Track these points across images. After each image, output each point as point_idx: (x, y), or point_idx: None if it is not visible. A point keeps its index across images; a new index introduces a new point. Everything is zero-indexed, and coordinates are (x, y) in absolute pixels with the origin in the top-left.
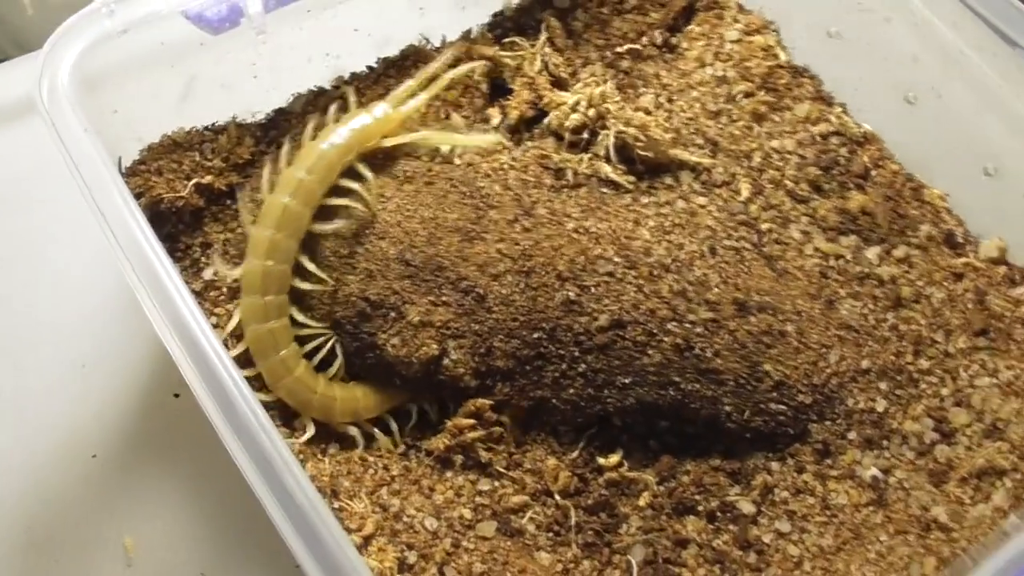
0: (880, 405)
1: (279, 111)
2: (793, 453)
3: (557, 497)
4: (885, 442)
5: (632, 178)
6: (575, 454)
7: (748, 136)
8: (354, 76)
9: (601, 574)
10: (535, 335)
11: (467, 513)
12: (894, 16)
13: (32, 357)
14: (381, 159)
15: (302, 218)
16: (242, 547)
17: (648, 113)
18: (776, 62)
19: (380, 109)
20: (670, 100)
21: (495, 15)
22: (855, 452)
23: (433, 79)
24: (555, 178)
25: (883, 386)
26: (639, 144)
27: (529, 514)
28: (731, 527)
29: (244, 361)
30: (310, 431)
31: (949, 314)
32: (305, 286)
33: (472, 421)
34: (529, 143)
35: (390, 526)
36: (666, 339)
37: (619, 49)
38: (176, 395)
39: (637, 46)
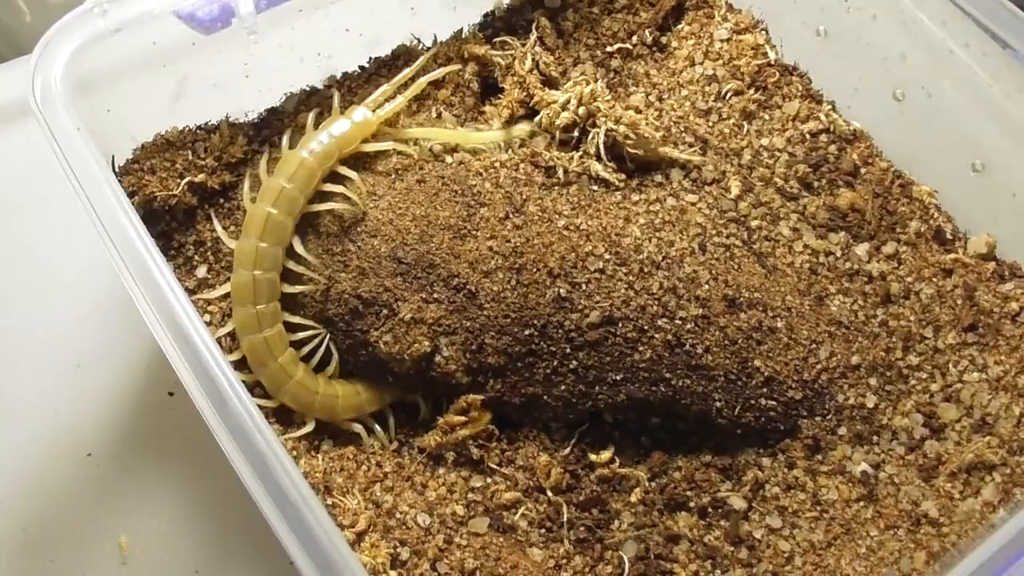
0: (870, 401)
1: (271, 110)
2: (784, 449)
3: (549, 493)
4: (875, 437)
5: (622, 176)
6: (567, 451)
7: (738, 134)
8: (346, 76)
9: (593, 570)
10: (526, 332)
11: (459, 509)
12: (882, 14)
13: (27, 357)
14: (372, 158)
15: (285, 227)
16: (237, 545)
17: (638, 111)
18: (765, 60)
19: (359, 113)
20: (660, 99)
21: (486, 15)
22: (845, 447)
23: (412, 80)
24: (546, 176)
25: (873, 382)
26: (629, 142)
27: (521, 510)
28: (722, 523)
29: (242, 366)
30: (309, 426)
31: (938, 310)
32: (295, 289)
33: (464, 418)
34: (520, 141)
35: (383, 522)
36: (657, 336)
37: (609, 48)
38: (171, 393)
39: (627, 45)
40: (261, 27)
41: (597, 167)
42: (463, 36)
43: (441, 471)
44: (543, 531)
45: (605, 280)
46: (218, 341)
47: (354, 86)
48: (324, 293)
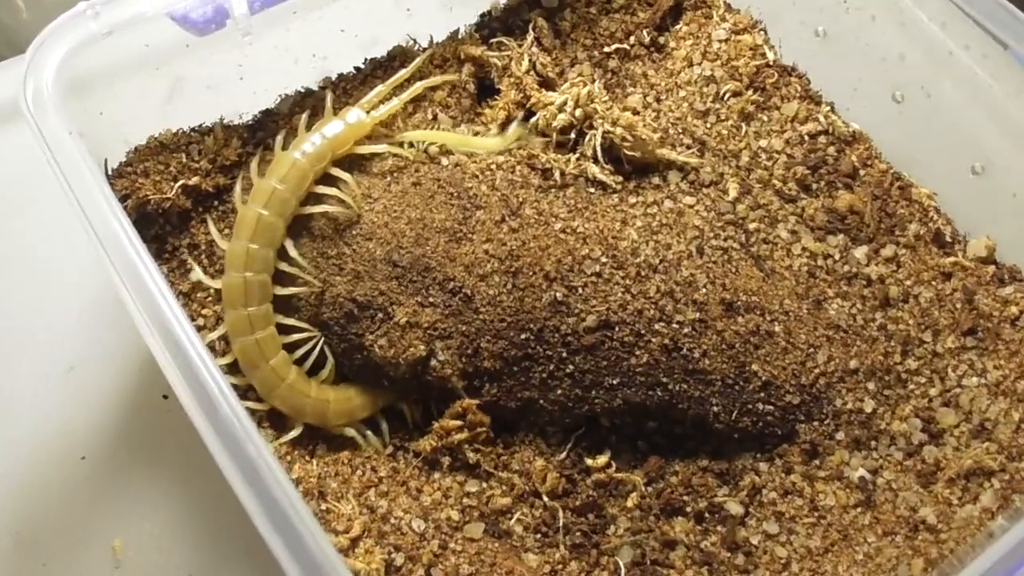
0: (868, 405)
1: (266, 112)
2: (781, 454)
3: (545, 498)
4: (873, 443)
5: (619, 178)
6: (563, 455)
7: (736, 135)
8: (341, 77)
9: (589, 575)
10: (522, 336)
11: (455, 514)
12: (881, 15)
13: (21, 359)
14: (367, 160)
15: (276, 228)
16: (230, 549)
17: (636, 113)
18: (764, 61)
19: (353, 115)
20: (658, 100)
21: (482, 15)
22: (843, 453)
23: (408, 82)
24: (542, 178)
25: (871, 386)
26: (626, 144)
27: (517, 515)
28: (719, 528)
29: (236, 370)
30: (296, 431)
31: (937, 314)
32: (288, 291)
33: (459, 423)
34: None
35: (377, 528)
36: (654, 340)
37: (607, 49)
38: (165, 396)
39: (625, 46)
40: (255, 28)
41: (594, 169)
42: (459, 37)
43: (436, 476)
44: (539, 536)
45: (602, 284)
46: (211, 344)
47: (349, 87)
48: (319, 296)
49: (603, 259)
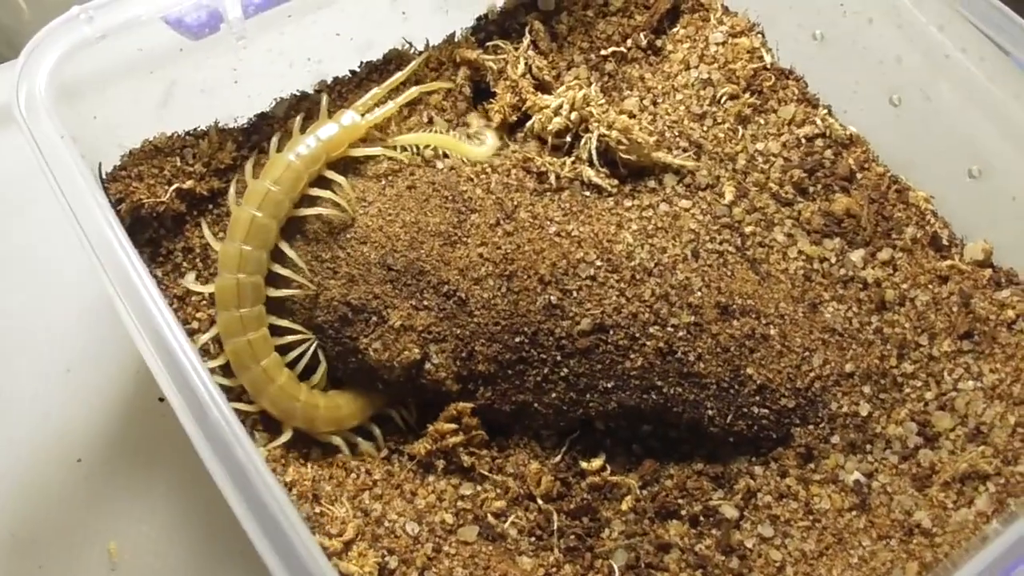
0: (864, 409)
1: (261, 116)
2: (776, 457)
3: (539, 501)
4: (868, 446)
5: (615, 181)
6: (557, 458)
7: (733, 139)
8: (336, 81)
9: None
10: (517, 339)
11: (449, 518)
12: (878, 18)
13: (17, 360)
14: (362, 163)
15: (270, 230)
16: (226, 553)
17: (632, 116)
18: (761, 64)
19: (347, 117)
20: (654, 103)
21: (479, 19)
22: (838, 456)
23: (404, 85)
24: (537, 182)
25: (867, 390)
26: (622, 147)
27: (511, 518)
28: (714, 532)
29: (229, 372)
30: (286, 436)
31: (934, 317)
32: (282, 293)
33: (454, 426)
34: (512, 146)
35: (371, 531)
36: (648, 343)
37: (603, 52)
38: (161, 399)
39: (622, 49)
40: (250, 32)
41: (589, 173)
42: (455, 40)
43: (431, 479)
44: (533, 539)
45: (596, 287)
46: (204, 346)
47: (345, 91)
48: (313, 300)
49: (598, 262)
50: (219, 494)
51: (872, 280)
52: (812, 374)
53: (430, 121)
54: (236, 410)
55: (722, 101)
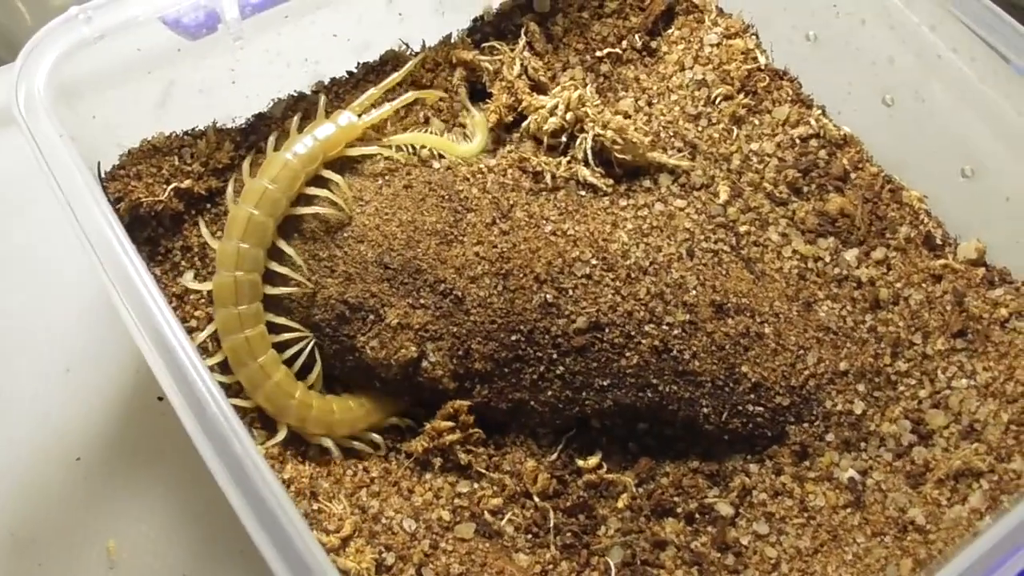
0: (858, 407)
1: (258, 116)
2: (771, 455)
3: (536, 499)
4: (863, 444)
5: (610, 181)
6: (554, 456)
7: (727, 139)
8: (333, 81)
9: (579, 575)
10: (513, 337)
11: (446, 515)
12: (871, 19)
13: (17, 360)
14: (358, 163)
15: (267, 228)
16: (224, 551)
17: (627, 116)
18: (755, 65)
19: (344, 117)
20: (649, 103)
21: (475, 20)
22: (833, 454)
23: (400, 85)
24: (533, 181)
25: (861, 388)
26: (617, 147)
27: (508, 516)
28: (709, 529)
29: (227, 370)
30: (281, 434)
31: (927, 316)
32: (279, 291)
33: (451, 424)
34: (508, 146)
35: (368, 527)
36: (644, 341)
37: (599, 53)
38: (160, 398)
39: (617, 50)
40: (247, 33)
41: (585, 172)
42: (452, 41)
43: (428, 476)
44: (529, 537)
45: (592, 286)
46: (202, 344)
47: (342, 91)
48: (310, 298)
49: (593, 261)
50: (218, 493)
51: (866, 279)
52: (807, 372)
53: (426, 121)
54: (233, 406)
55: (717, 102)
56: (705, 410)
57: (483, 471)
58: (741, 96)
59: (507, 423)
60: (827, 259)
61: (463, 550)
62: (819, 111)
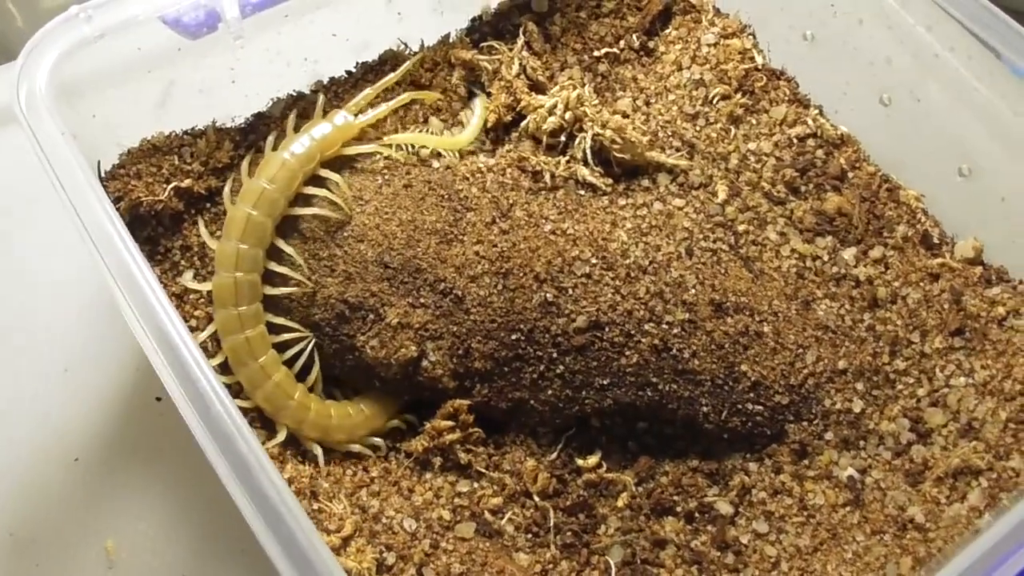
0: (857, 405)
1: (258, 115)
2: (770, 454)
3: (536, 498)
4: (862, 442)
5: (609, 180)
6: (554, 455)
7: (725, 138)
8: (333, 81)
9: (579, 575)
10: (513, 336)
11: (446, 514)
12: (868, 19)
13: (16, 360)
14: (359, 162)
15: (266, 228)
16: (224, 550)
17: (625, 116)
18: (753, 65)
19: (340, 117)
20: (647, 103)
21: (473, 19)
22: (832, 452)
23: (399, 84)
24: (533, 181)
25: (860, 386)
26: (616, 147)
27: (508, 515)
28: (709, 528)
29: (227, 371)
30: (281, 435)
31: (925, 314)
32: (279, 291)
33: (451, 423)
34: (507, 146)
35: (369, 527)
36: (643, 340)
37: (597, 53)
38: (158, 398)
39: (614, 50)
40: (247, 32)
41: (584, 172)
42: (450, 41)
43: (428, 476)
44: (529, 536)
45: (592, 285)
46: (202, 344)
47: (341, 91)
48: (310, 298)
49: (593, 260)
50: (218, 492)
51: (864, 278)
52: (805, 371)
53: (425, 120)
54: None
55: (714, 101)
56: (704, 409)
57: (483, 470)
58: (738, 96)
59: (507, 422)
60: (825, 258)
61: (463, 549)
62: (816, 111)
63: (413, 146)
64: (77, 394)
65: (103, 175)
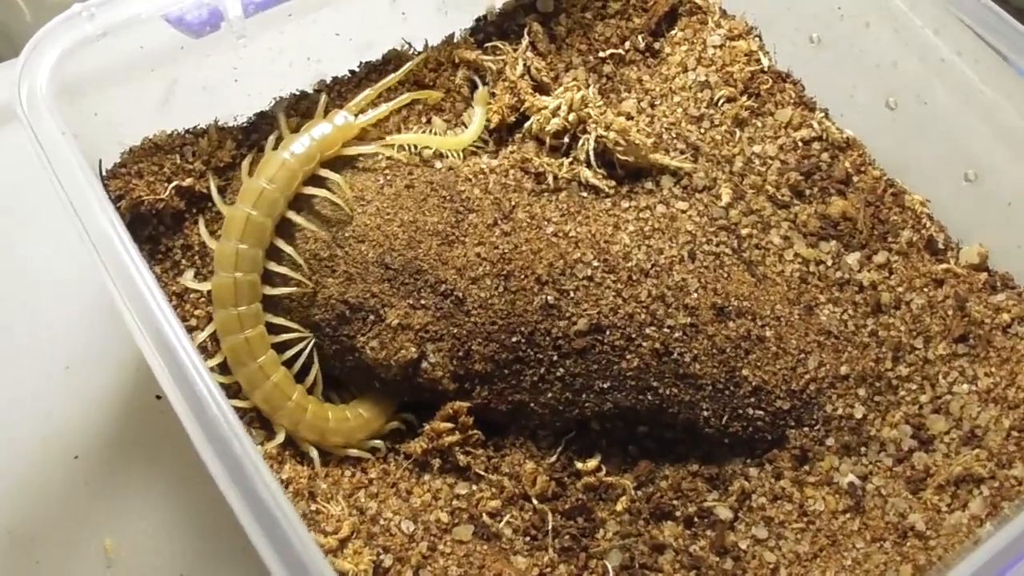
0: (858, 411)
1: (260, 114)
2: (771, 459)
3: (534, 501)
4: (863, 449)
5: (612, 183)
6: (553, 458)
7: (730, 141)
8: (336, 80)
9: None
10: (513, 339)
11: (444, 516)
12: (875, 22)
13: (16, 358)
14: (360, 162)
15: (265, 228)
16: (224, 549)
17: (629, 118)
18: (758, 67)
19: (340, 117)
20: (652, 105)
21: (478, 19)
22: (833, 458)
23: (401, 84)
24: (535, 182)
25: (862, 392)
26: (619, 148)
27: (506, 518)
28: (708, 533)
29: (227, 371)
30: (280, 436)
31: (929, 320)
32: (278, 292)
33: (450, 425)
34: (510, 147)
35: (366, 529)
36: (644, 344)
37: (602, 54)
38: (158, 397)
39: (620, 51)
40: (250, 31)
41: (587, 174)
42: (455, 41)
43: (426, 478)
44: (528, 539)
45: (593, 288)
46: (202, 344)
47: (344, 91)
48: (310, 298)
49: (595, 263)
50: (216, 492)
51: (868, 283)
52: (807, 376)
53: (429, 121)
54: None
55: (719, 104)
56: (705, 413)
57: (482, 473)
58: (744, 98)
59: (507, 425)
60: (829, 263)
61: (461, 552)
62: (822, 114)
63: (415, 146)
64: (78, 393)
65: (104, 174)
